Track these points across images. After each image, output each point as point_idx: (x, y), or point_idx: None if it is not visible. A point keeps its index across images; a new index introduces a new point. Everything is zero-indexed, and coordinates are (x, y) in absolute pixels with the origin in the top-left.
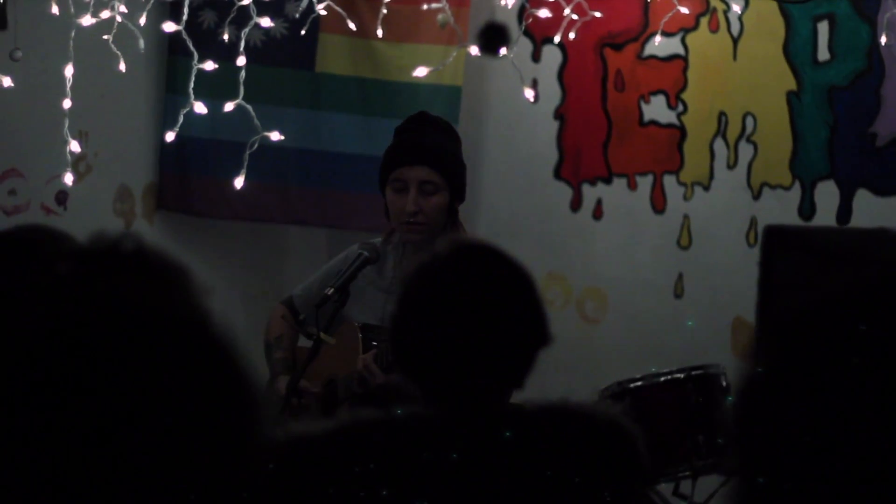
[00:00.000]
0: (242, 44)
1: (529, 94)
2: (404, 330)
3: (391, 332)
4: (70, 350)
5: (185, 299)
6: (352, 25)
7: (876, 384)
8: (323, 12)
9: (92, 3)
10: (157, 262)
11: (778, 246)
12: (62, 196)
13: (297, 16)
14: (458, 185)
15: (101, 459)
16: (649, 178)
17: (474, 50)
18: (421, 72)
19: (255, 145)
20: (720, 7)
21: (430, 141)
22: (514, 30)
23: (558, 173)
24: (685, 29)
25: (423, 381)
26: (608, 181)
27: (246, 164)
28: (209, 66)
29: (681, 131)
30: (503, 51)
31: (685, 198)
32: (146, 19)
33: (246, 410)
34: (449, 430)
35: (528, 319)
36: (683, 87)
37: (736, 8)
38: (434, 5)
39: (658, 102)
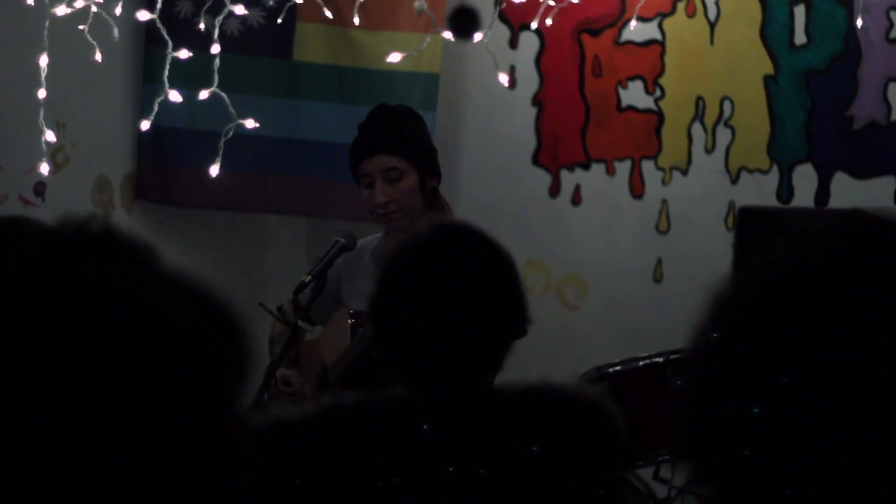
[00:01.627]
0: (217, 32)
1: (504, 79)
2: (384, 309)
3: (370, 311)
4: (41, 332)
5: (154, 279)
6: (328, 13)
7: (819, 356)
8: (299, 1)
9: None
10: (124, 243)
11: (752, 227)
12: (40, 187)
13: (274, 4)
14: (425, 165)
15: (73, 446)
16: (627, 164)
17: (449, 36)
18: (395, 58)
19: (231, 133)
20: None
21: (385, 127)
22: (489, 15)
23: (536, 159)
24: (662, 14)
25: (403, 360)
26: (586, 167)
27: (221, 152)
28: (184, 54)
29: (658, 116)
30: (477, 36)
31: (663, 183)
32: (122, 8)
33: (223, 393)
34: (430, 413)
35: (507, 299)
36: (661, 73)
37: None
38: None
39: (636, 88)
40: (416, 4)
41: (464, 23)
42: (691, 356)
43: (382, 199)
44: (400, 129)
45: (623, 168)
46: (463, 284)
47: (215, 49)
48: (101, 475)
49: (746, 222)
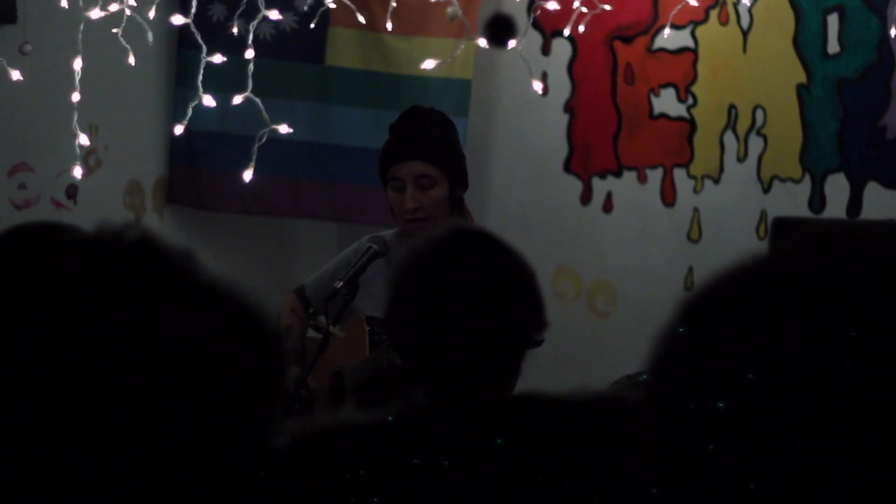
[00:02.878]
0: (251, 37)
1: (538, 86)
2: (399, 315)
3: (386, 317)
4: (78, 340)
5: (190, 289)
6: (361, 19)
7: (784, 351)
8: (332, 5)
9: None
10: (162, 251)
11: (786, 238)
12: (72, 190)
13: (307, 9)
14: (456, 174)
15: (107, 452)
16: (659, 172)
17: (483, 42)
18: (429, 64)
19: (264, 138)
20: (730, 0)
21: (422, 134)
22: (523, 22)
23: (568, 166)
24: (695, 21)
25: (420, 366)
26: (618, 174)
27: (255, 157)
28: (218, 58)
29: (691, 124)
30: (511, 43)
31: (695, 191)
32: (155, 12)
33: (258, 404)
34: (455, 425)
35: (522, 304)
36: (693, 80)
37: (745, 0)
38: None
39: (668, 95)
40: (450, 10)
41: (500, 30)
42: (658, 351)
43: (412, 206)
44: (436, 137)
45: (655, 176)
46: (476, 287)
47: (249, 54)
48: (127, 483)
49: (780, 233)
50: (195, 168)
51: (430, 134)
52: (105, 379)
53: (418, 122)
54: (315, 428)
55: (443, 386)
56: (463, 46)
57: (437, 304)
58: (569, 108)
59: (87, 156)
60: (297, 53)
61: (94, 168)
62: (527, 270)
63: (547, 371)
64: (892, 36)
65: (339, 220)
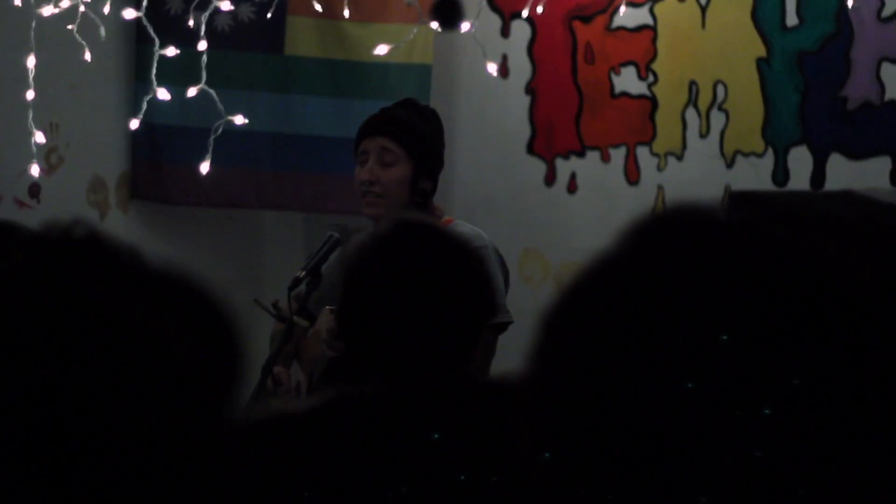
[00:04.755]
0: (203, 28)
1: (493, 68)
2: (349, 311)
3: (338, 313)
4: (24, 339)
5: (138, 282)
6: (318, 7)
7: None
8: None
9: None
10: (109, 247)
11: (744, 212)
12: (35, 189)
13: None
14: (423, 162)
15: (59, 453)
16: (622, 150)
17: (435, 26)
18: (382, 49)
19: (220, 130)
20: None
21: (394, 114)
22: (476, 4)
23: (531, 148)
24: None
25: (371, 359)
26: (581, 154)
27: (211, 148)
28: (171, 51)
29: (652, 102)
30: (465, 26)
31: (659, 168)
32: (111, 7)
33: (209, 395)
34: (384, 414)
35: (466, 289)
36: (653, 58)
37: None
38: None
39: (629, 74)
40: None
41: (447, 13)
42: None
43: (367, 177)
44: (408, 119)
45: (618, 155)
46: (420, 278)
47: (202, 46)
48: (85, 477)
49: (738, 207)
50: (158, 162)
51: (403, 116)
52: (54, 376)
53: (399, 107)
54: (245, 421)
55: (398, 376)
56: (416, 31)
57: (383, 296)
58: (530, 89)
59: (48, 154)
60: (255, 44)
61: (56, 166)
62: (471, 257)
63: (517, 355)
64: (850, 6)
65: (304, 209)
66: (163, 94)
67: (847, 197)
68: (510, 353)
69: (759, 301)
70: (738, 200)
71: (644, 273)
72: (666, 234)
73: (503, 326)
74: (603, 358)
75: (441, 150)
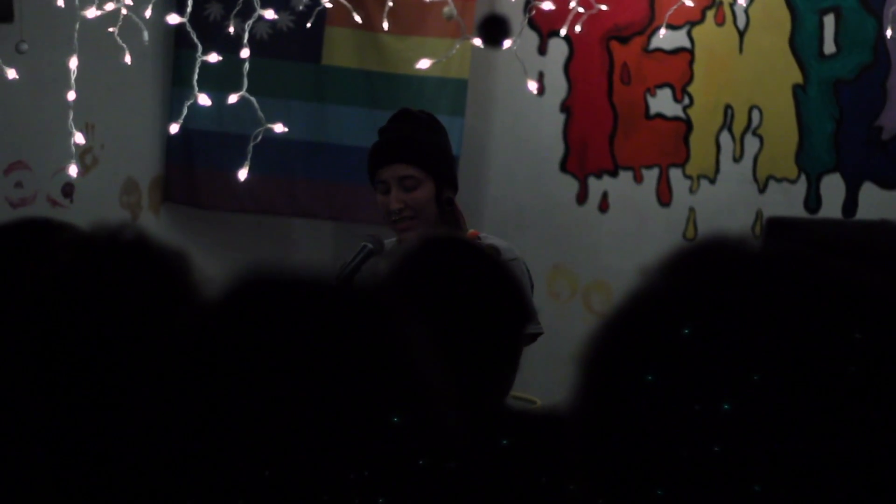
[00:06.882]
0: (246, 36)
1: (533, 86)
2: None
3: None
4: (71, 337)
5: (184, 285)
6: (357, 18)
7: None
8: (329, 5)
9: None
10: (156, 250)
11: (780, 238)
12: (68, 188)
13: (303, 8)
14: (442, 175)
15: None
16: (655, 171)
17: (478, 42)
18: (424, 63)
19: (259, 137)
20: (726, 0)
21: (405, 136)
22: (519, 22)
23: (564, 166)
24: (691, 22)
25: None
26: (614, 174)
27: (250, 156)
28: (213, 58)
29: (687, 124)
30: (506, 43)
31: (691, 191)
32: (152, 11)
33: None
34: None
35: (501, 299)
36: (689, 81)
37: (742, 1)
38: None
39: (664, 95)
40: (446, 10)
41: (493, 30)
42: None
43: (396, 206)
44: (419, 138)
45: (651, 176)
46: (455, 292)
47: (245, 53)
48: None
49: (774, 233)
50: (192, 167)
51: (413, 136)
52: (98, 374)
53: (404, 124)
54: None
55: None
56: (458, 46)
57: (420, 315)
58: (565, 107)
59: (83, 154)
60: (293, 53)
61: (90, 166)
62: (500, 266)
63: (543, 370)
64: (888, 36)
65: (335, 219)
66: (203, 99)
67: (883, 226)
68: (536, 366)
69: (798, 337)
70: (775, 227)
71: (682, 311)
72: (702, 269)
73: (533, 337)
74: (644, 397)
75: (451, 151)
